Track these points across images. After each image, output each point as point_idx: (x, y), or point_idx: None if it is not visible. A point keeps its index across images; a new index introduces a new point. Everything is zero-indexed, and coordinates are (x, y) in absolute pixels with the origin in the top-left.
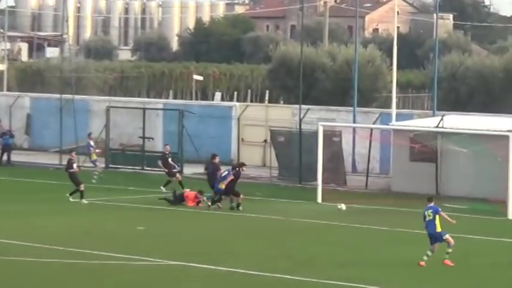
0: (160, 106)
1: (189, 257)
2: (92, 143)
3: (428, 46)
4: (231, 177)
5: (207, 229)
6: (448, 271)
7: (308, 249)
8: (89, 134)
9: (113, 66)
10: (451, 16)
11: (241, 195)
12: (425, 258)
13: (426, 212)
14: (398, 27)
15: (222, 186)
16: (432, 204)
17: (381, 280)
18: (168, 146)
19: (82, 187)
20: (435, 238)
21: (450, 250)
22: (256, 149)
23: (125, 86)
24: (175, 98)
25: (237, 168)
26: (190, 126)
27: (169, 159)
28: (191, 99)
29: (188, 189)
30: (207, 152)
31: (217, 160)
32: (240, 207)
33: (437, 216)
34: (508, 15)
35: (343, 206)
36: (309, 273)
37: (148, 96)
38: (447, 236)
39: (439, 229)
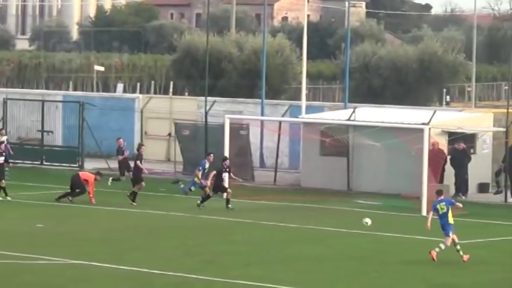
0: (60, 98)
1: (91, 256)
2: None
3: (340, 35)
4: (213, 172)
5: (110, 227)
6: (361, 269)
7: (213, 248)
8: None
9: (10, 56)
10: (363, 4)
11: (229, 190)
12: (460, 251)
13: (439, 205)
14: (308, 15)
15: (197, 180)
16: (443, 197)
17: (288, 279)
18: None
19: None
20: (443, 229)
21: (459, 247)
22: (160, 143)
23: (23, 77)
24: (75, 89)
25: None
26: (92, 119)
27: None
28: (92, 90)
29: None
30: (109, 146)
31: (141, 150)
32: (230, 205)
33: (450, 208)
34: (423, 4)
35: (368, 221)
36: (214, 272)
37: (47, 88)
38: (453, 234)
39: (451, 221)
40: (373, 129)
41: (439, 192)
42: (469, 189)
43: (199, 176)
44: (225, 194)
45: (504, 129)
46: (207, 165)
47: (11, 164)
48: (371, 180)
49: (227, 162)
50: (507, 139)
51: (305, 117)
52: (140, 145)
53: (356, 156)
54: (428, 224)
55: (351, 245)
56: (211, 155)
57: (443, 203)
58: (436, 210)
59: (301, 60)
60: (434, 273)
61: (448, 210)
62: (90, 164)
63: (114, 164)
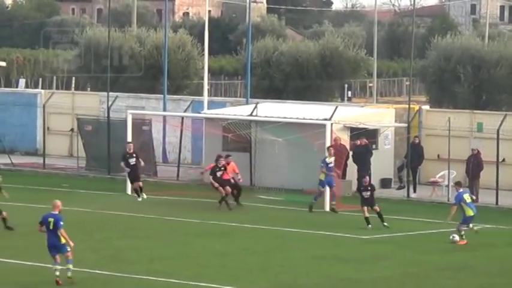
0: None
1: None
2: None
3: (241, 31)
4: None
5: (15, 223)
6: (265, 264)
7: (117, 243)
8: None
9: None
10: None
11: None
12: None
13: (464, 196)
14: (209, 10)
15: (322, 178)
16: (462, 189)
17: (192, 274)
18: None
19: None
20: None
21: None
22: (63, 139)
23: None
24: None
25: None
26: None
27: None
28: None
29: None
30: (12, 142)
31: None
32: (386, 223)
33: None
34: None
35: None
36: (117, 268)
37: None
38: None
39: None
40: (275, 125)
41: (459, 184)
42: None
43: (325, 174)
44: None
45: (406, 125)
46: (329, 159)
47: None
48: (273, 176)
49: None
50: (409, 134)
51: (207, 112)
52: (218, 157)
53: (258, 152)
54: (449, 219)
55: (255, 240)
56: (331, 148)
57: (467, 194)
58: (463, 200)
59: (203, 56)
60: (338, 269)
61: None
62: None
63: (16, 160)
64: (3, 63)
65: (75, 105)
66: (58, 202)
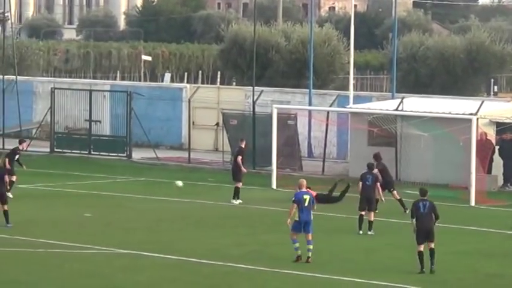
0: (108, 88)
1: (139, 246)
2: None
3: (387, 25)
4: None
5: (159, 217)
6: (409, 259)
7: (261, 238)
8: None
9: (58, 45)
10: None
11: None
12: None
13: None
14: (355, 5)
15: None
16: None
17: (336, 270)
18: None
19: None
20: None
21: None
22: (208, 133)
23: (70, 67)
24: (122, 79)
25: None
26: (139, 109)
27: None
28: (139, 80)
29: None
30: (157, 136)
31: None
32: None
33: None
34: None
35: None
36: (264, 262)
37: (94, 78)
38: None
39: None
40: (421, 120)
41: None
42: None
43: None
44: None
45: None
46: None
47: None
48: (419, 170)
49: None
50: None
51: (353, 107)
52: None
53: (404, 146)
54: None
55: (400, 234)
56: None
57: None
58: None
59: (349, 51)
60: (484, 264)
61: None
62: (138, 154)
63: (161, 154)
64: (149, 58)
65: (220, 100)
66: (304, 181)
